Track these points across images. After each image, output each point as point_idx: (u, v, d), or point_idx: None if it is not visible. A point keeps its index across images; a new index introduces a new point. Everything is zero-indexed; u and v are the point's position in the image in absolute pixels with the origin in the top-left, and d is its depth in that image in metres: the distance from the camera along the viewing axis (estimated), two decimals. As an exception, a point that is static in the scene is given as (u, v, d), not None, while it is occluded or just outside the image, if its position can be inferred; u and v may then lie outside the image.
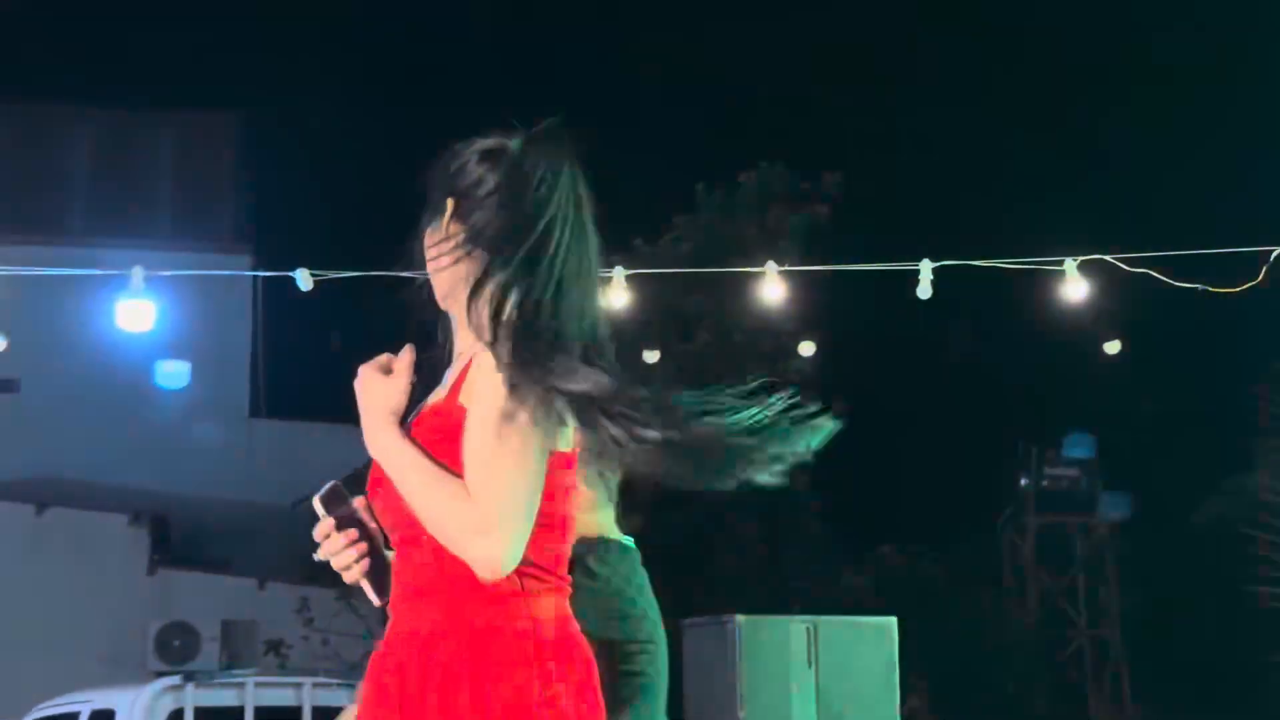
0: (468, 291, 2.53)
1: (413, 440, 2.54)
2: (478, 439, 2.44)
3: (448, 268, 2.58)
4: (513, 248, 2.48)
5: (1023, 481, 22.29)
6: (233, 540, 18.41)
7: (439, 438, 2.52)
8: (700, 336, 16.05)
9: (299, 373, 20.57)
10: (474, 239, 2.54)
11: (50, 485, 18.21)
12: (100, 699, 9.97)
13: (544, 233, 2.49)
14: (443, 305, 2.66)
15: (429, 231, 2.63)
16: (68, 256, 14.45)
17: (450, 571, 2.49)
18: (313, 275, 7.20)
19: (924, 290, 7.49)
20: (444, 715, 2.48)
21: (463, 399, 2.51)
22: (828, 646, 6.17)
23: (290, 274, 7.21)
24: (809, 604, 13.39)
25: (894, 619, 6.23)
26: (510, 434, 2.42)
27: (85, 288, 11.72)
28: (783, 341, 15.51)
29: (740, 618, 6.24)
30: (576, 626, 2.58)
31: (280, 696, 10.69)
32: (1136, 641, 21.70)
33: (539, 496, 2.45)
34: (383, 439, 2.57)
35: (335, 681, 11.24)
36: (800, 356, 15.50)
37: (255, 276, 13.92)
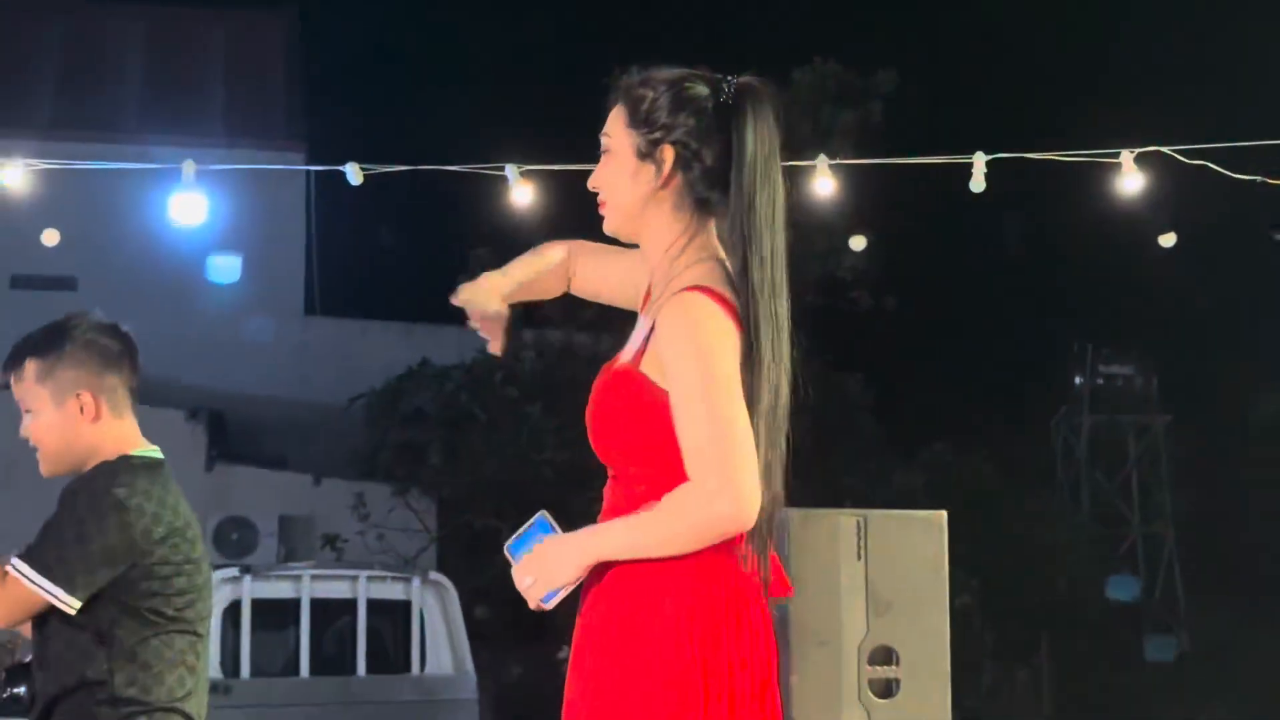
0: (671, 236, 2.71)
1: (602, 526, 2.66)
2: (688, 418, 2.57)
3: (653, 214, 2.72)
4: (736, 205, 2.68)
5: (1077, 380, 22.22)
6: (288, 437, 18.57)
7: (621, 404, 2.65)
8: (751, 234, 15.92)
9: (354, 272, 20.67)
10: (693, 192, 2.70)
11: (108, 382, 18.39)
12: (159, 590, 10.10)
13: (759, 190, 2.70)
14: (617, 233, 2.79)
15: (633, 167, 2.72)
16: (121, 154, 14.50)
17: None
18: (363, 169, 7.19)
19: (977, 184, 7.40)
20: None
21: (645, 368, 2.64)
22: (877, 539, 6.16)
23: (340, 168, 7.21)
24: (860, 502, 13.39)
25: (944, 512, 6.22)
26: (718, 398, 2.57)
27: (138, 184, 11.78)
28: (835, 239, 15.40)
29: (790, 510, 6.23)
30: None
31: (336, 589, 10.84)
32: (1190, 538, 21.68)
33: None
34: (589, 554, 2.65)
35: (390, 574, 11.36)
36: (853, 253, 15.41)
37: (308, 173, 13.92)
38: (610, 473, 2.74)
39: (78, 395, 3.47)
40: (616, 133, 2.73)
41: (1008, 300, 20.74)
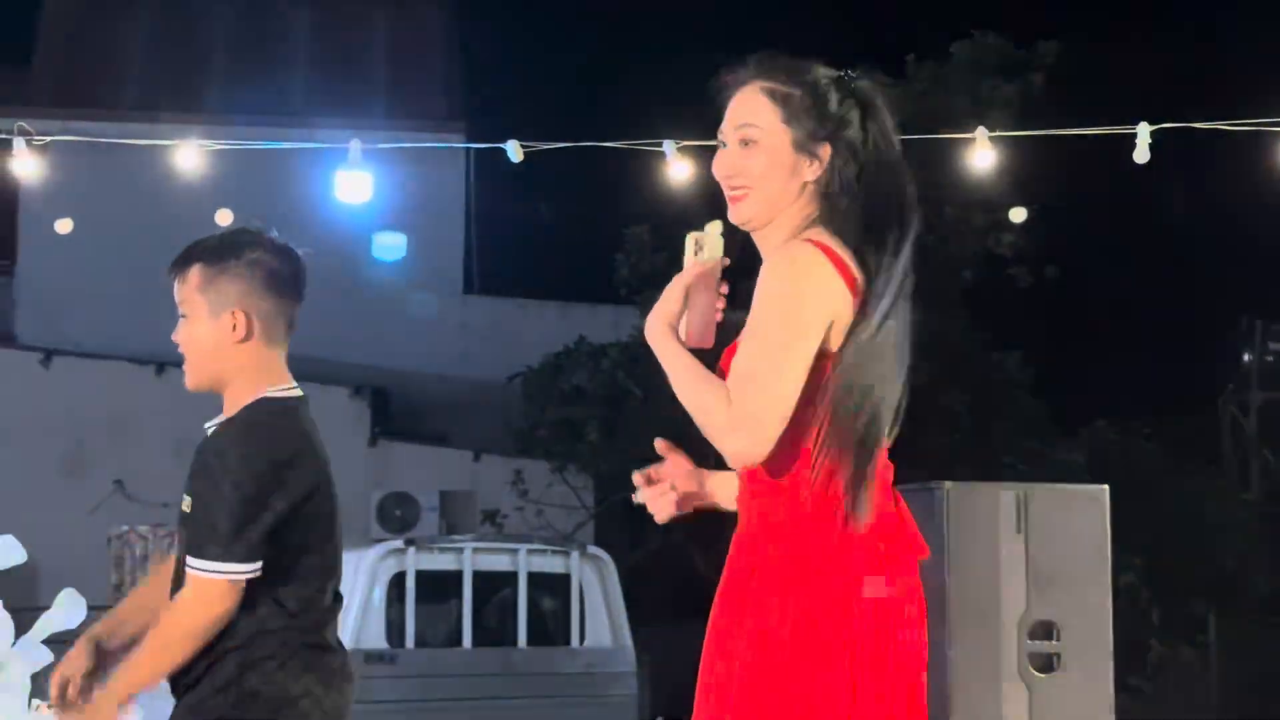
0: (799, 221, 2.80)
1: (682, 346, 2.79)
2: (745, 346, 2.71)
3: (793, 204, 2.81)
4: (881, 199, 2.79)
5: (1245, 357, 21.71)
6: (449, 414, 18.84)
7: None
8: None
9: (511, 250, 20.87)
10: (831, 186, 2.80)
11: (275, 359, 18.79)
12: (326, 562, 10.32)
13: (895, 179, 2.82)
14: (749, 222, 2.84)
15: (791, 161, 2.80)
16: (287, 136, 14.79)
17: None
18: (523, 146, 7.28)
19: (1141, 154, 7.29)
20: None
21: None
22: (1038, 514, 6.12)
23: (501, 145, 7.31)
24: (1020, 480, 13.22)
25: (1105, 487, 6.16)
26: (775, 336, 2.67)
27: (305, 165, 12.03)
28: (995, 216, 15.18)
29: (948, 484, 6.22)
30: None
31: (497, 561, 11.00)
32: (1364, 520, 21.08)
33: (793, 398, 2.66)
34: (656, 345, 2.81)
35: (550, 548, 11.50)
36: (1012, 231, 15.19)
37: (468, 151, 14.09)
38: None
39: (233, 312, 3.41)
40: (770, 126, 2.80)
41: (1172, 274, 20.31)
